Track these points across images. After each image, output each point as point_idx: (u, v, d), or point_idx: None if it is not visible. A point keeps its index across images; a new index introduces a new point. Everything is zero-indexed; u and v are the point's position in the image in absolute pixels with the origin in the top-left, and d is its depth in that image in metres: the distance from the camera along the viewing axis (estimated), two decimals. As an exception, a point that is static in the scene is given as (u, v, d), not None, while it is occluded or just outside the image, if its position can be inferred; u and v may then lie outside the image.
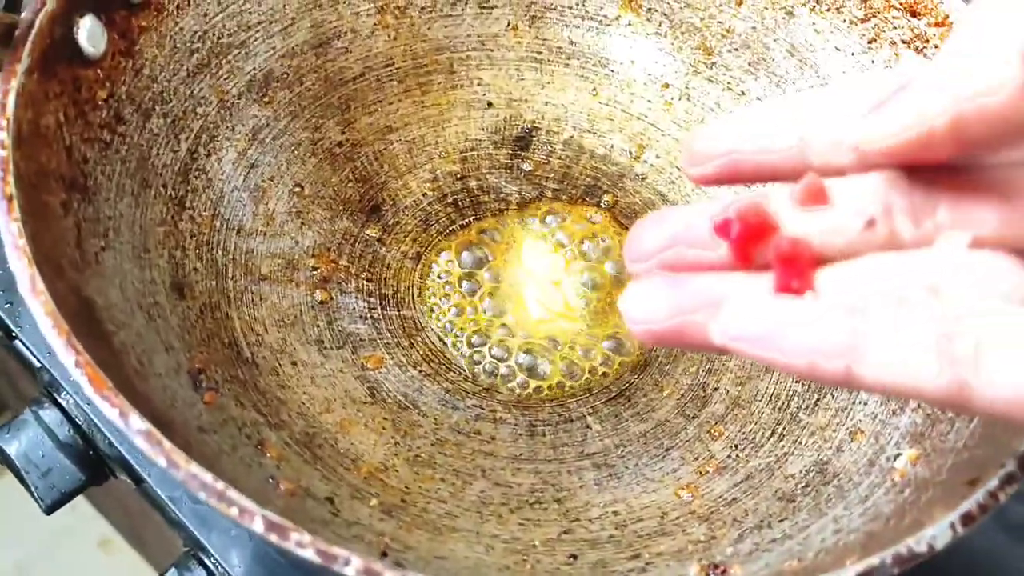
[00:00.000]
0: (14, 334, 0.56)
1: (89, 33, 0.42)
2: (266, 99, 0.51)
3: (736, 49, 0.55)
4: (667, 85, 0.56)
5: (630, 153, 0.56)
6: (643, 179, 0.56)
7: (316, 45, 0.53)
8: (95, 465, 0.55)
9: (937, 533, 0.32)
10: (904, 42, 0.50)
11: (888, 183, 0.27)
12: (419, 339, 0.50)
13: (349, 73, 0.54)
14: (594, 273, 0.53)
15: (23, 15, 0.39)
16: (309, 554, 0.29)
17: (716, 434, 0.47)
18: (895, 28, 0.50)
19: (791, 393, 0.48)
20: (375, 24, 0.55)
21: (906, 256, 0.27)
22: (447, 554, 0.40)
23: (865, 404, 0.45)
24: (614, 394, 0.49)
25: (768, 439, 0.46)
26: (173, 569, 0.52)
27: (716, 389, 0.49)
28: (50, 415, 0.55)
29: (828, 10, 0.52)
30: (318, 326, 0.48)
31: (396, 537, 0.40)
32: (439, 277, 0.52)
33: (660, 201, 0.55)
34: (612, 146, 0.57)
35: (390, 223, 0.53)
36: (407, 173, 0.54)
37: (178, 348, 0.42)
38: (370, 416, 0.46)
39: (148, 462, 0.51)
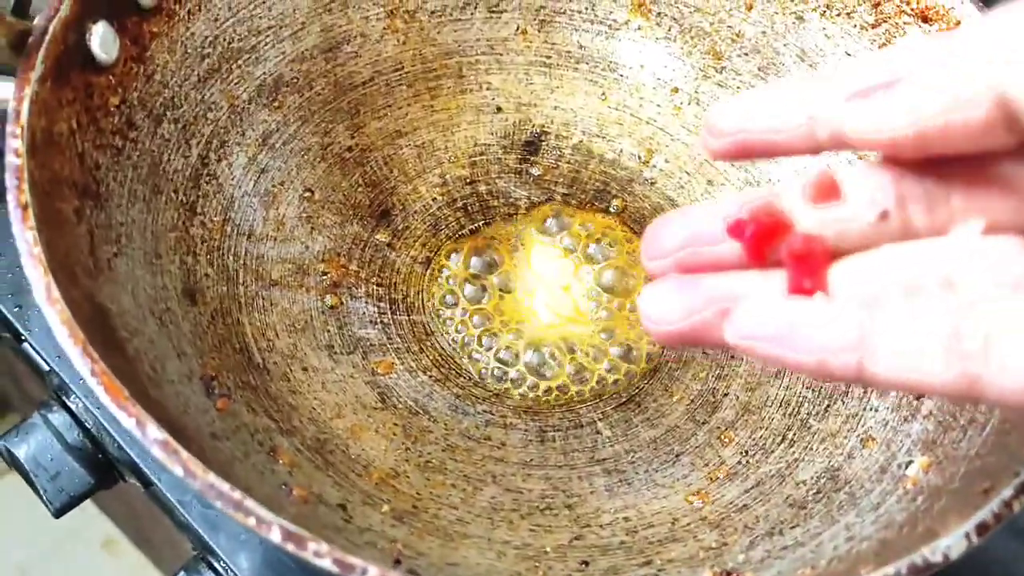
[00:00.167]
0: (23, 338, 0.56)
1: (102, 39, 0.42)
2: (276, 104, 0.51)
3: (746, 54, 0.55)
4: (676, 90, 0.56)
5: (639, 158, 0.56)
6: (652, 184, 0.56)
7: (326, 50, 0.53)
8: (104, 469, 0.55)
9: (952, 543, 0.32)
10: (915, 48, 0.49)
11: (900, 173, 0.28)
12: (429, 344, 0.50)
13: (358, 78, 0.54)
14: (603, 278, 0.53)
15: (35, 21, 0.39)
16: (326, 564, 0.29)
17: (726, 440, 0.47)
18: (906, 34, 0.50)
19: (801, 399, 0.48)
20: (384, 28, 0.55)
21: (920, 245, 0.27)
22: (459, 560, 0.40)
23: (876, 411, 0.45)
24: (624, 400, 0.49)
25: (778, 445, 0.46)
26: (183, 573, 0.52)
27: (726, 395, 0.49)
28: (59, 418, 0.55)
29: (839, 15, 0.52)
30: (328, 331, 0.48)
31: (408, 543, 0.40)
32: (448, 282, 0.52)
33: (669, 206, 0.55)
34: (621, 151, 0.57)
35: (400, 228, 0.53)
36: (416, 178, 0.54)
37: (190, 354, 0.42)
38: (380, 422, 0.46)
39: (159, 467, 0.51)
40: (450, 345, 0.50)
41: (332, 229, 0.51)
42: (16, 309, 0.56)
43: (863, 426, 0.45)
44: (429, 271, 0.52)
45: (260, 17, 0.51)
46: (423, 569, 0.38)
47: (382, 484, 0.43)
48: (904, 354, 0.25)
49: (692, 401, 0.49)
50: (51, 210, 0.36)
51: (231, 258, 0.47)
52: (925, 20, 0.49)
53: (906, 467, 0.41)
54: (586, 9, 0.57)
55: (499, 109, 0.57)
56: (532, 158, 0.56)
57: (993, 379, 0.24)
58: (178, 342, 0.41)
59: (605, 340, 0.51)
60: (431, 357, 0.49)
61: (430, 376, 0.49)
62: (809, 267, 0.27)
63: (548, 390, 0.49)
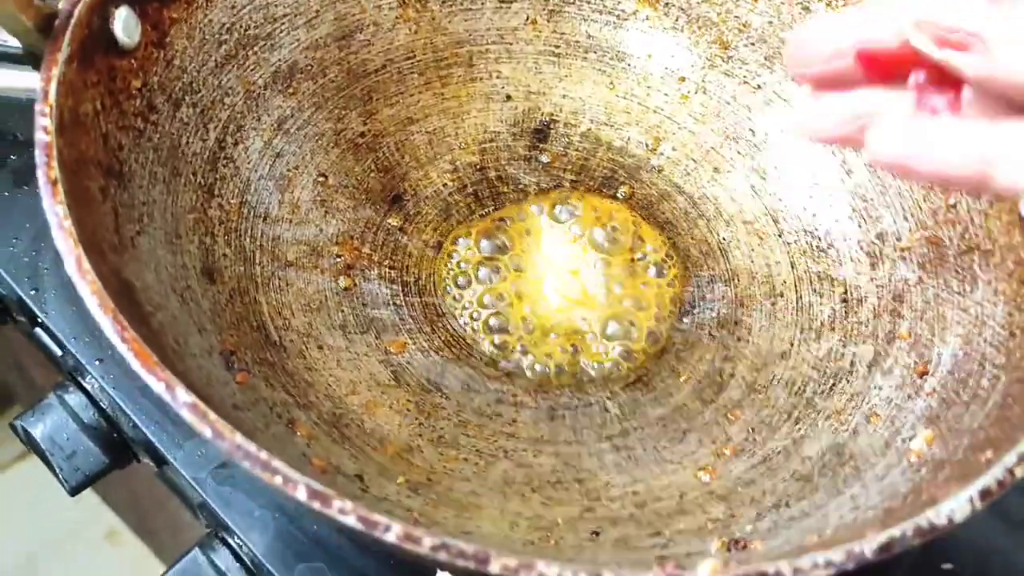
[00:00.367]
0: (39, 320, 0.57)
1: (124, 23, 0.43)
2: (291, 90, 0.52)
3: (752, 43, 0.56)
4: (684, 79, 0.58)
5: (647, 145, 0.57)
6: (659, 171, 0.57)
7: (339, 37, 0.54)
8: (119, 448, 0.56)
9: (956, 507, 0.33)
10: (917, 36, 0.51)
11: None
12: (440, 325, 0.51)
13: (371, 65, 0.55)
14: (611, 263, 0.54)
15: (61, 5, 0.40)
16: (351, 520, 0.30)
17: (733, 418, 0.48)
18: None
19: (807, 379, 0.49)
20: (397, 17, 0.56)
21: None
22: (474, 530, 0.41)
23: (880, 389, 0.46)
24: (632, 380, 0.50)
25: (784, 423, 0.47)
26: (196, 549, 0.52)
27: (732, 375, 0.50)
28: (75, 399, 0.55)
29: (844, 4, 0.53)
30: (342, 311, 0.49)
31: (424, 513, 0.41)
32: (459, 266, 0.53)
33: (676, 192, 0.56)
34: (629, 139, 0.58)
35: (411, 212, 0.54)
36: (428, 164, 0.56)
37: (210, 330, 0.43)
38: (394, 399, 0.47)
39: (174, 445, 0.52)
40: (461, 326, 0.51)
41: (345, 213, 0.52)
42: (32, 292, 0.57)
43: (868, 404, 0.46)
44: (440, 255, 0.53)
45: (276, 5, 0.52)
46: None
47: (397, 457, 0.44)
48: None
49: (699, 381, 0.50)
50: (78, 188, 0.37)
51: (248, 239, 0.48)
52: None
53: (910, 441, 0.42)
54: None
55: (509, 97, 0.58)
56: (541, 145, 0.57)
57: None
58: (198, 318, 0.42)
59: (613, 323, 0.52)
60: (443, 337, 0.50)
61: (442, 356, 0.50)
62: (941, 87, 0.31)
63: (557, 370, 0.50)
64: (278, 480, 0.30)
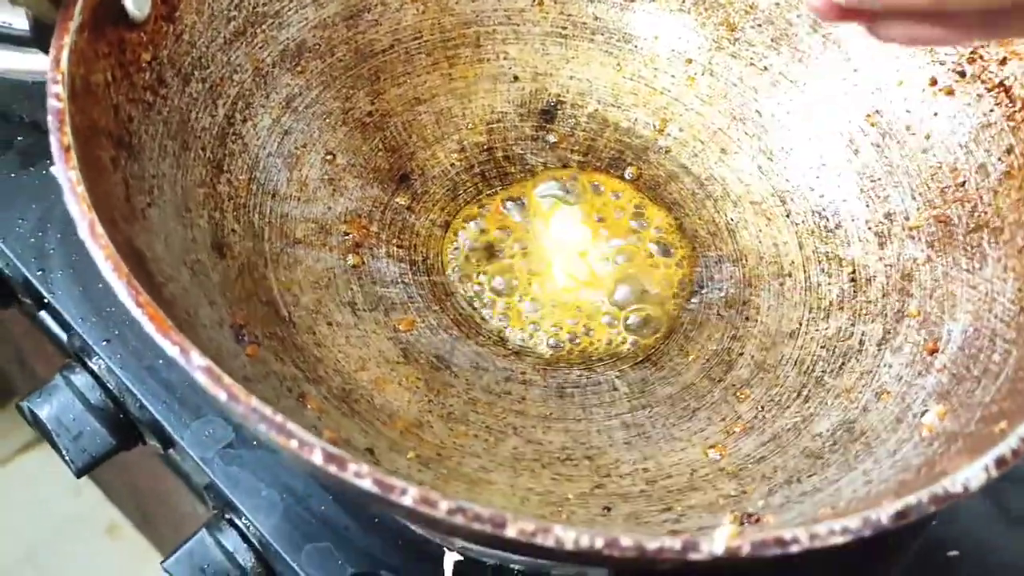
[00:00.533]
0: (46, 300, 0.56)
1: (134, -4, 0.43)
2: (299, 68, 0.52)
3: (759, 25, 0.56)
4: (690, 60, 0.57)
5: (653, 126, 0.57)
6: (667, 152, 0.57)
7: (347, 17, 0.54)
8: (126, 429, 0.56)
9: (971, 475, 0.33)
10: (927, 15, 0.51)
11: None
12: (449, 304, 0.51)
13: (379, 45, 0.55)
14: (620, 244, 0.54)
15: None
16: (367, 484, 0.30)
17: (742, 396, 0.48)
18: (918, 2, 0.51)
19: (816, 358, 0.49)
20: (404, -3, 0.56)
21: None
22: (485, 504, 0.41)
23: (890, 367, 0.46)
24: (640, 359, 0.50)
25: (794, 401, 0.47)
26: (204, 530, 0.52)
27: (741, 354, 0.50)
28: (81, 379, 0.55)
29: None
30: (351, 289, 0.49)
31: (435, 487, 0.40)
32: (466, 244, 0.53)
33: (683, 173, 0.56)
34: (636, 120, 0.58)
35: (419, 192, 0.54)
36: (435, 143, 0.55)
37: (220, 304, 0.42)
38: (403, 375, 0.47)
39: (181, 425, 0.52)
40: (469, 305, 0.51)
41: (353, 192, 0.52)
42: (39, 273, 0.56)
43: (877, 381, 0.46)
44: (448, 234, 0.53)
45: (284, -17, 0.52)
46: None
47: (407, 432, 0.44)
48: None
49: (707, 360, 0.50)
50: (90, 156, 0.37)
51: (257, 216, 0.48)
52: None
53: (921, 416, 0.42)
54: (602, -19, 0.58)
55: (516, 78, 0.58)
56: (548, 126, 0.57)
57: None
58: (208, 291, 0.42)
59: (619, 303, 0.52)
60: (451, 316, 0.50)
61: (450, 334, 0.49)
62: None
63: (565, 349, 0.50)
64: (293, 444, 0.30)
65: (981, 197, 0.47)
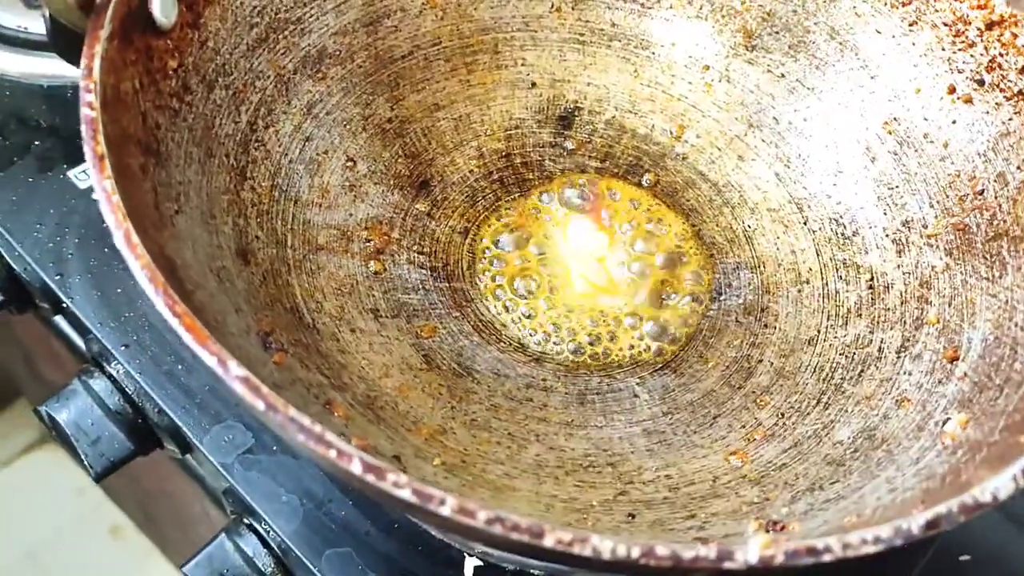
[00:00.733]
0: (64, 305, 0.57)
1: (162, 3, 0.43)
2: (320, 75, 0.52)
3: (776, 32, 0.56)
4: (707, 67, 0.58)
5: (671, 133, 0.58)
6: (684, 159, 0.57)
7: (367, 23, 0.54)
8: (144, 434, 0.56)
9: (1000, 484, 0.33)
10: (946, 24, 0.51)
11: None
12: (469, 310, 0.51)
13: (398, 51, 0.55)
14: (637, 250, 0.54)
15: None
16: (405, 494, 0.30)
17: (762, 403, 0.48)
18: (937, 11, 0.51)
19: (835, 365, 0.49)
20: (423, 4, 0.56)
21: None
22: (511, 511, 0.41)
23: (910, 375, 0.46)
24: (659, 366, 0.51)
25: (814, 408, 0.47)
26: (223, 535, 0.52)
27: (760, 361, 0.50)
28: (99, 384, 0.55)
29: (868, -6, 0.53)
30: (373, 295, 0.49)
31: (461, 494, 0.40)
32: (485, 251, 0.53)
33: (701, 180, 0.57)
34: (653, 126, 0.58)
35: (438, 198, 0.54)
36: (454, 150, 0.56)
37: (246, 311, 0.43)
38: (426, 382, 0.47)
39: (200, 431, 0.52)
40: (489, 311, 0.51)
41: (374, 198, 0.52)
42: (57, 277, 0.57)
43: (897, 389, 0.46)
44: (467, 241, 0.53)
45: (305, -11, 0.52)
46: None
47: (431, 439, 0.44)
48: None
49: (727, 367, 0.50)
50: (122, 164, 0.37)
51: (279, 222, 0.48)
52: (957, -3, 0.50)
53: (943, 424, 0.42)
54: (619, -12, 0.58)
55: (534, 84, 0.58)
56: (566, 132, 0.58)
57: None
58: (235, 299, 0.42)
59: (639, 309, 0.52)
60: (472, 323, 0.50)
61: (471, 341, 0.50)
62: None
63: (587, 355, 0.50)
64: (332, 454, 0.30)
65: (1000, 205, 0.48)
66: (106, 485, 1.16)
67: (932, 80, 0.52)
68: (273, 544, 0.51)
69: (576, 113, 0.58)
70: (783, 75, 0.56)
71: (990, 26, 0.50)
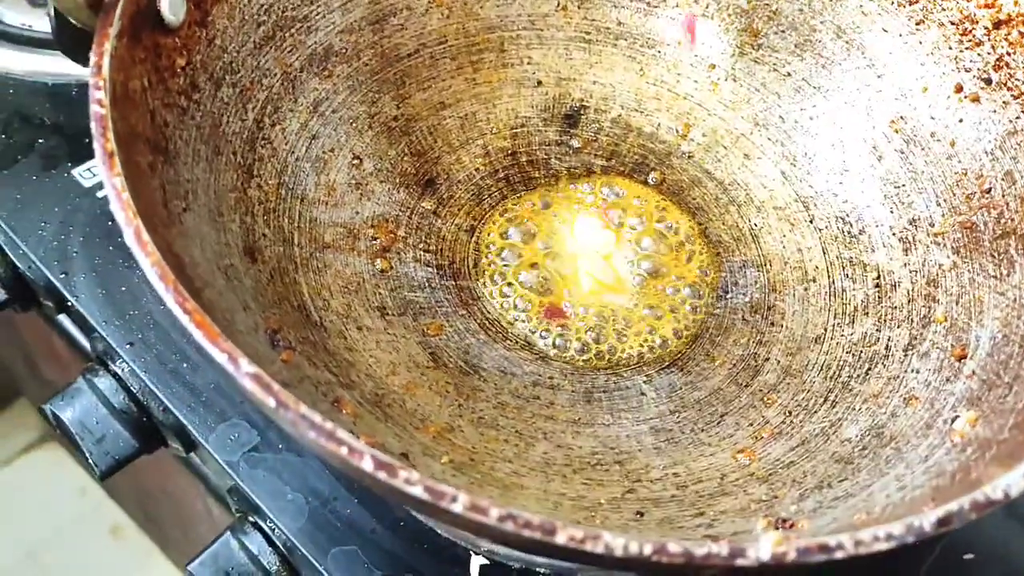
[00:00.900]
0: (68, 304, 0.57)
1: (170, 1, 0.43)
2: (326, 73, 0.52)
3: (783, 31, 0.56)
4: (713, 66, 0.58)
5: (677, 131, 0.58)
6: (690, 157, 0.57)
7: (373, 22, 0.54)
8: (149, 433, 0.56)
9: (1012, 481, 0.33)
10: (953, 23, 0.51)
11: None
12: (476, 308, 0.51)
13: (404, 50, 0.55)
14: (644, 248, 0.54)
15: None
16: (417, 491, 0.30)
17: (769, 401, 0.48)
18: (944, 10, 0.51)
19: (842, 363, 0.49)
20: (429, 2, 0.56)
21: None
22: (519, 509, 0.41)
23: (918, 372, 0.46)
24: (666, 364, 0.51)
25: (821, 406, 0.47)
26: (228, 533, 0.52)
27: (767, 360, 0.50)
28: (104, 383, 0.55)
29: (877, -8, 0.53)
30: (380, 293, 0.49)
31: (469, 492, 0.40)
32: (490, 248, 0.53)
33: (707, 178, 0.57)
34: (659, 125, 0.58)
35: (444, 196, 0.54)
36: (460, 148, 0.56)
37: (254, 309, 0.43)
38: (433, 380, 0.47)
39: (206, 429, 0.52)
40: (496, 309, 0.51)
41: (380, 196, 0.52)
42: (62, 276, 0.56)
43: (905, 387, 0.46)
44: (473, 239, 0.53)
45: (312, -13, 0.52)
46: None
47: (439, 437, 0.44)
48: None
49: (734, 365, 0.50)
50: (131, 162, 0.37)
51: (286, 220, 0.48)
52: (964, -5, 0.50)
53: (952, 422, 0.42)
54: (625, -14, 0.58)
55: (539, 83, 0.58)
56: (572, 131, 0.58)
57: None
58: (243, 297, 0.42)
59: (645, 307, 0.52)
60: (478, 320, 0.50)
61: (478, 339, 0.50)
62: None
63: (594, 353, 0.50)
64: (343, 451, 0.30)
65: (1008, 204, 0.48)
66: (107, 485, 1.16)
67: (939, 79, 0.52)
68: (278, 542, 0.50)
69: (582, 112, 0.58)
70: (789, 74, 0.56)
71: (997, 25, 0.50)
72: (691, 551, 0.30)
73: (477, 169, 0.55)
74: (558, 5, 0.58)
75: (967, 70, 0.51)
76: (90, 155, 0.58)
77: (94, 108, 0.36)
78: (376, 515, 0.50)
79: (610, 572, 0.47)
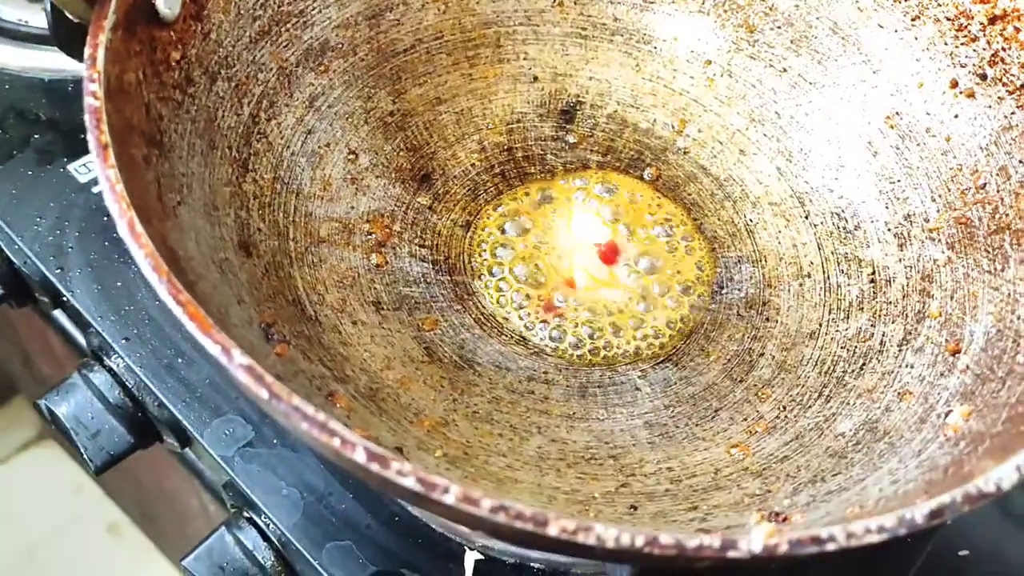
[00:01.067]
0: (64, 299, 0.57)
1: (165, -6, 0.43)
2: (322, 68, 0.52)
3: (779, 27, 0.56)
4: (709, 62, 0.58)
5: (672, 127, 0.58)
6: (685, 153, 0.57)
7: (369, 17, 0.54)
8: (144, 428, 0.56)
9: (1004, 474, 0.33)
10: (948, 19, 0.51)
11: None
12: (471, 303, 0.51)
13: (400, 45, 0.55)
14: (639, 244, 0.54)
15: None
16: (410, 482, 0.30)
17: (764, 396, 0.48)
18: (939, 5, 0.51)
19: (836, 359, 0.49)
20: (425, -2, 0.56)
21: None
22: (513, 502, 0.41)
23: (912, 367, 0.46)
24: (661, 359, 0.51)
25: (815, 401, 0.47)
26: (223, 528, 0.52)
27: (762, 355, 0.50)
28: (99, 378, 0.55)
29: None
30: (375, 288, 0.49)
31: (464, 485, 0.40)
32: (485, 243, 0.53)
33: (702, 174, 0.57)
34: (655, 120, 0.58)
35: (440, 192, 0.54)
36: (456, 143, 0.56)
37: (248, 303, 0.43)
38: (428, 374, 0.47)
39: (200, 423, 0.52)
40: (491, 304, 0.51)
41: (376, 191, 0.52)
42: (58, 271, 0.56)
43: (899, 381, 0.46)
44: (469, 234, 0.53)
45: (307, -18, 0.52)
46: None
47: (433, 431, 0.44)
48: None
49: (728, 360, 0.50)
50: (126, 154, 0.37)
51: (281, 214, 0.48)
52: (959, -10, 0.50)
53: (945, 416, 0.43)
54: (621, -18, 0.58)
55: (535, 79, 0.58)
56: (568, 126, 0.58)
57: None
58: (237, 290, 0.42)
59: (640, 303, 0.52)
60: (473, 315, 0.50)
61: (473, 333, 0.50)
62: None
63: (588, 348, 0.50)
64: (336, 442, 0.30)
65: (1002, 199, 0.48)
66: (103, 482, 1.16)
67: (934, 74, 0.52)
68: (273, 537, 0.51)
69: (578, 107, 0.58)
70: (785, 70, 0.56)
71: (993, 20, 0.50)
72: (682, 543, 0.30)
73: (473, 164, 0.55)
74: (554, 1, 0.58)
75: (962, 66, 0.51)
76: (86, 151, 0.58)
77: (88, 100, 0.36)
78: (371, 510, 0.50)
79: (604, 566, 0.47)
